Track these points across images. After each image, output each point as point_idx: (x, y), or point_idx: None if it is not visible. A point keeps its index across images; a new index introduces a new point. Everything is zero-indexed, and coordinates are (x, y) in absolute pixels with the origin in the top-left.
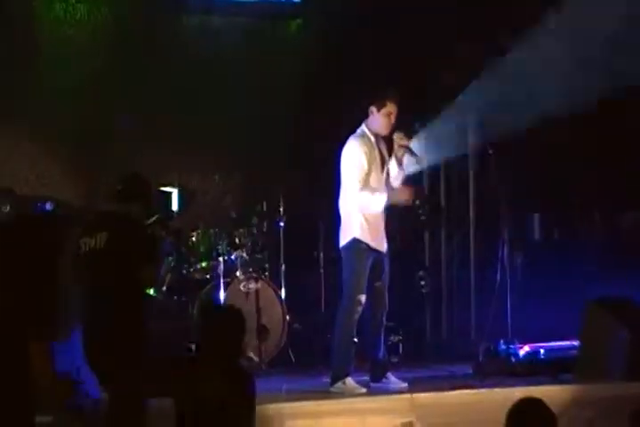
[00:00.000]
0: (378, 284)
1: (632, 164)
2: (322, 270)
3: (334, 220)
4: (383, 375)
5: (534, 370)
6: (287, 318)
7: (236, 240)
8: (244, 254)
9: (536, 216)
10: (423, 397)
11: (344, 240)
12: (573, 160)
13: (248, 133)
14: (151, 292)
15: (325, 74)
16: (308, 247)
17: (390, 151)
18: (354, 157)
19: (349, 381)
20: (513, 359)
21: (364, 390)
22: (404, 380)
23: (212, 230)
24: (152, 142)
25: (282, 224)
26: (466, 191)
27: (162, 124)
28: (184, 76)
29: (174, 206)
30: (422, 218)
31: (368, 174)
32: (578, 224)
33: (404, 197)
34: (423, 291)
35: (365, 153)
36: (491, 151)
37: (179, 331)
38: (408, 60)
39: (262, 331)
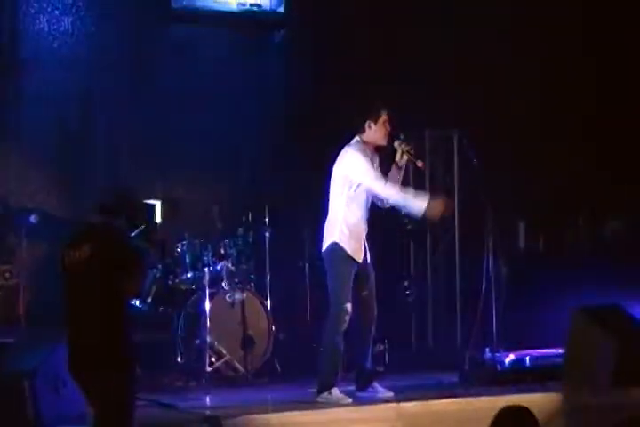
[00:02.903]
0: (364, 293)
1: (616, 171)
2: (307, 280)
3: (319, 230)
4: (369, 385)
5: (520, 378)
6: (273, 328)
7: (222, 251)
8: (230, 265)
9: (521, 225)
10: (409, 406)
11: (325, 245)
12: (557, 168)
13: (232, 145)
14: (136, 303)
15: (309, 84)
16: (294, 257)
17: (386, 162)
18: (360, 160)
19: (335, 391)
20: (499, 367)
21: (349, 400)
22: (389, 389)
23: (197, 241)
24: (137, 155)
25: (267, 235)
26: (451, 200)
27: (146, 136)
28: (168, 87)
29: (158, 218)
30: (408, 227)
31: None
32: (562, 232)
33: (438, 209)
34: (409, 300)
35: (367, 158)
36: (475, 161)
37: (164, 343)
38: (393, 70)
39: (248, 341)
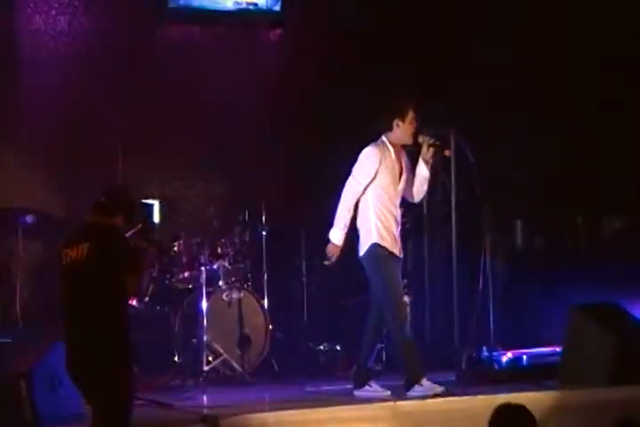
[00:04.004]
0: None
1: (615, 169)
2: (304, 279)
3: (316, 228)
4: (366, 383)
5: (517, 377)
6: (270, 326)
7: (219, 250)
8: (227, 264)
9: (518, 223)
10: (406, 404)
11: (363, 249)
12: (556, 166)
13: (229, 143)
14: (134, 303)
15: (306, 84)
16: (291, 256)
17: (414, 159)
18: (365, 162)
19: (425, 382)
20: (496, 366)
21: (442, 388)
22: (387, 388)
23: (193, 240)
24: (134, 154)
25: (264, 233)
26: (448, 199)
27: (143, 135)
28: (166, 86)
29: (156, 218)
30: (406, 226)
31: (379, 177)
32: (561, 230)
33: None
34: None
35: (380, 161)
36: (472, 160)
37: (161, 342)
38: (390, 69)
39: (245, 340)
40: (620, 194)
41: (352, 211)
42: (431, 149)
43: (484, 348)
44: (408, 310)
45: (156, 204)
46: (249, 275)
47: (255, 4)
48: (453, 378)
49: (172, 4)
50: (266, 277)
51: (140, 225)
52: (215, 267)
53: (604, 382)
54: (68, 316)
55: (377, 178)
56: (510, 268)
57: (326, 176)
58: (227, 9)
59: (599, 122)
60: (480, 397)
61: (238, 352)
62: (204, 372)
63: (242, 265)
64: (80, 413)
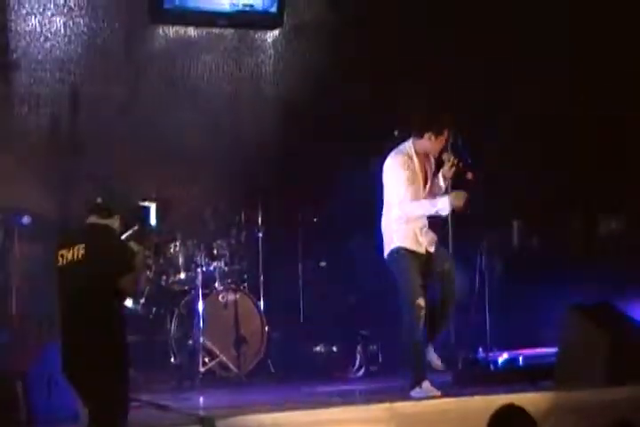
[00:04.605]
0: (439, 269)
1: (611, 169)
2: (300, 280)
3: (312, 230)
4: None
5: (513, 377)
6: (266, 328)
7: (215, 251)
8: (223, 265)
9: (515, 223)
10: (402, 406)
11: (386, 250)
12: (553, 166)
13: (225, 145)
14: (129, 304)
15: (303, 83)
16: (287, 257)
17: (437, 168)
18: (399, 171)
19: (426, 384)
20: (492, 367)
21: (438, 392)
22: (382, 389)
23: (190, 242)
24: (128, 155)
25: (260, 235)
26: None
27: (138, 136)
28: (161, 87)
29: (152, 221)
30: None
31: (411, 186)
32: (558, 230)
33: (460, 199)
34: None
35: (409, 168)
36: (468, 160)
37: (157, 343)
38: (388, 70)
39: (241, 341)
40: (616, 194)
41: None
42: (453, 169)
43: (480, 349)
44: (423, 312)
45: (152, 206)
46: (245, 276)
47: (252, 6)
48: (450, 379)
49: (167, 5)
50: (262, 278)
51: (136, 227)
52: (211, 268)
53: (601, 381)
54: (64, 317)
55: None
56: (507, 268)
57: (325, 178)
58: (223, 10)
59: (597, 121)
60: (477, 397)
61: (234, 353)
62: (201, 373)
63: (238, 267)
64: (75, 414)
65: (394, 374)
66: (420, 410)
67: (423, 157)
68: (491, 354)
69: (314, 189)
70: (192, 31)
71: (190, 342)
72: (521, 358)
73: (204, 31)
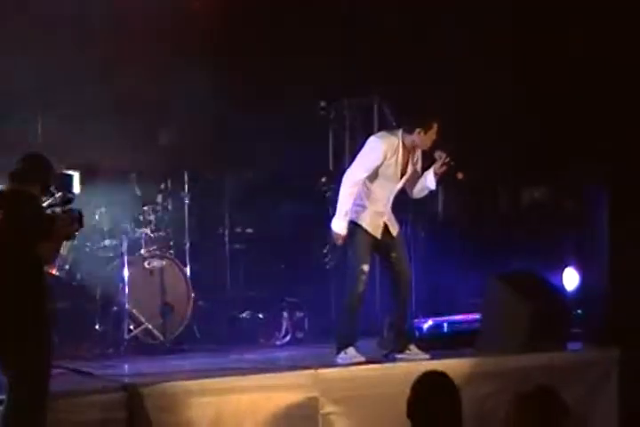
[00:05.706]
0: (393, 255)
1: (535, 139)
2: (227, 247)
3: (239, 197)
4: (407, 347)
5: (438, 344)
6: (192, 295)
7: (140, 218)
8: (149, 232)
9: (440, 191)
10: (327, 372)
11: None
12: (475, 136)
13: (151, 112)
14: (54, 271)
15: (234, 30)
16: (213, 224)
17: (430, 164)
18: (374, 152)
19: (351, 350)
20: (417, 333)
21: (362, 358)
22: (308, 356)
23: (115, 208)
24: (52, 123)
25: (187, 201)
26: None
27: (61, 104)
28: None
29: (76, 188)
30: (327, 195)
31: (379, 167)
32: (481, 200)
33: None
34: (327, 267)
35: (384, 158)
36: (394, 123)
37: (82, 310)
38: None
39: (167, 308)
40: (539, 165)
41: (353, 198)
42: (444, 167)
43: None
44: (364, 278)
45: (76, 174)
46: (171, 243)
47: None
48: (375, 345)
49: None
50: (188, 245)
51: (59, 194)
52: (137, 235)
53: (520, 349)
54: None
55: (376, 171)
56: (431, 237)
57: (251, 146)
58: None
59: (526, 93)
60: (400, 364)
61: (160, 321)
62: (126, 340)
63: (164, 233)
64: None
65: (320, 341)
66: (345, 376)
67: (408, 151)
68: (416, 320)
69: (242, 156)
70: None
71: (115, 308)
72: (445, 325)
73: None
